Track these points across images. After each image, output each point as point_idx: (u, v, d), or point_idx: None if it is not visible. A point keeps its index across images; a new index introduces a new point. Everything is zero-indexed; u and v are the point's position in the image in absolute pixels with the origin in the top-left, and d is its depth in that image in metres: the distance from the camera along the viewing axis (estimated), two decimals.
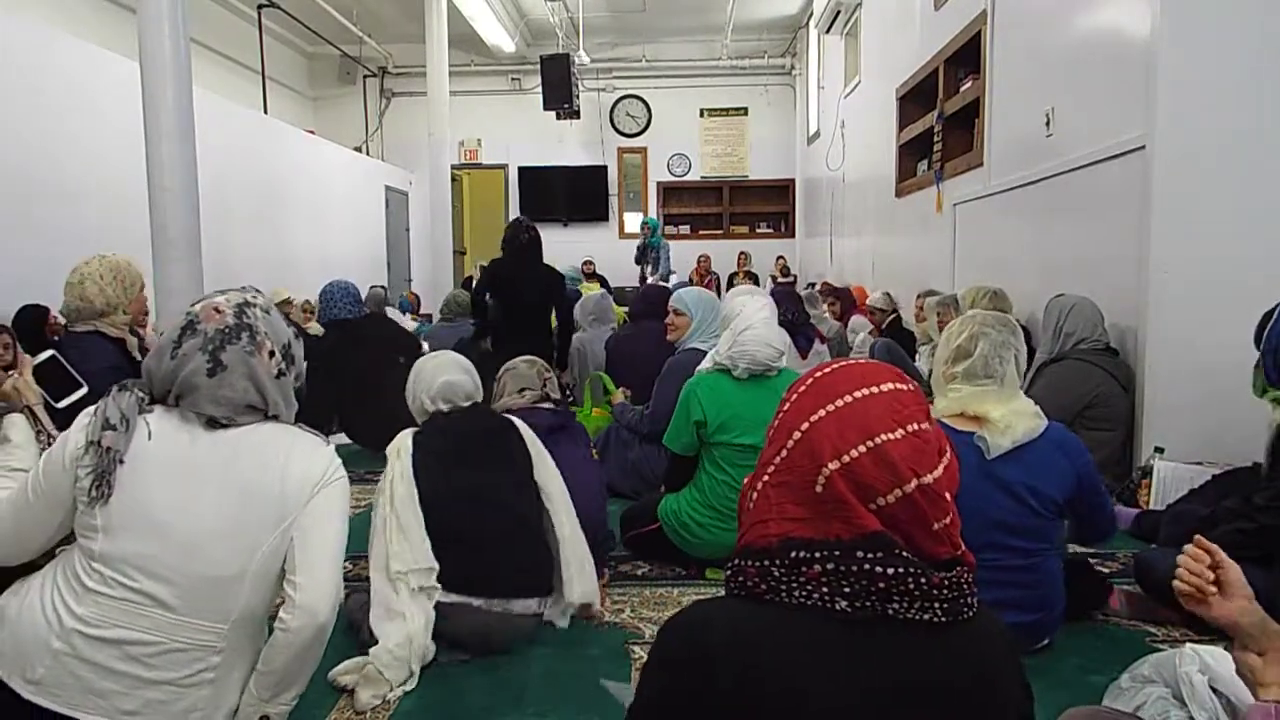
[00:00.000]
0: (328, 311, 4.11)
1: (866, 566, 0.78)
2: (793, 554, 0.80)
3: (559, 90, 8.99)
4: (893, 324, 5.20)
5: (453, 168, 8.89)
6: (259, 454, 1.39)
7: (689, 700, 0.81)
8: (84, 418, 1.33)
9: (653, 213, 10.81)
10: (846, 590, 0.78)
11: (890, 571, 0.77)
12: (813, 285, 7.59)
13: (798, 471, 0.83)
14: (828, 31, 7.86)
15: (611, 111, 10.73)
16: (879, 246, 6.74)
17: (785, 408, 0.88)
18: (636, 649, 2.01)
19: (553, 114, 9.34)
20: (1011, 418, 1.78)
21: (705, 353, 2.76)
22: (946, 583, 0.79)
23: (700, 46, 10.34)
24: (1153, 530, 2.52)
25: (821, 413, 0.83)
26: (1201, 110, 2.82)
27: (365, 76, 10.30)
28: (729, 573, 0.85)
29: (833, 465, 0.80)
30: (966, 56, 4.75)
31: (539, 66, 9.21)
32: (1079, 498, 1.82)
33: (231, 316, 1.40)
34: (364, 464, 3.56)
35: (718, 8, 8.95)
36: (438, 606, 1.91)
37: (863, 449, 0.80)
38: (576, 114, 9.45)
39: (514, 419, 2.23)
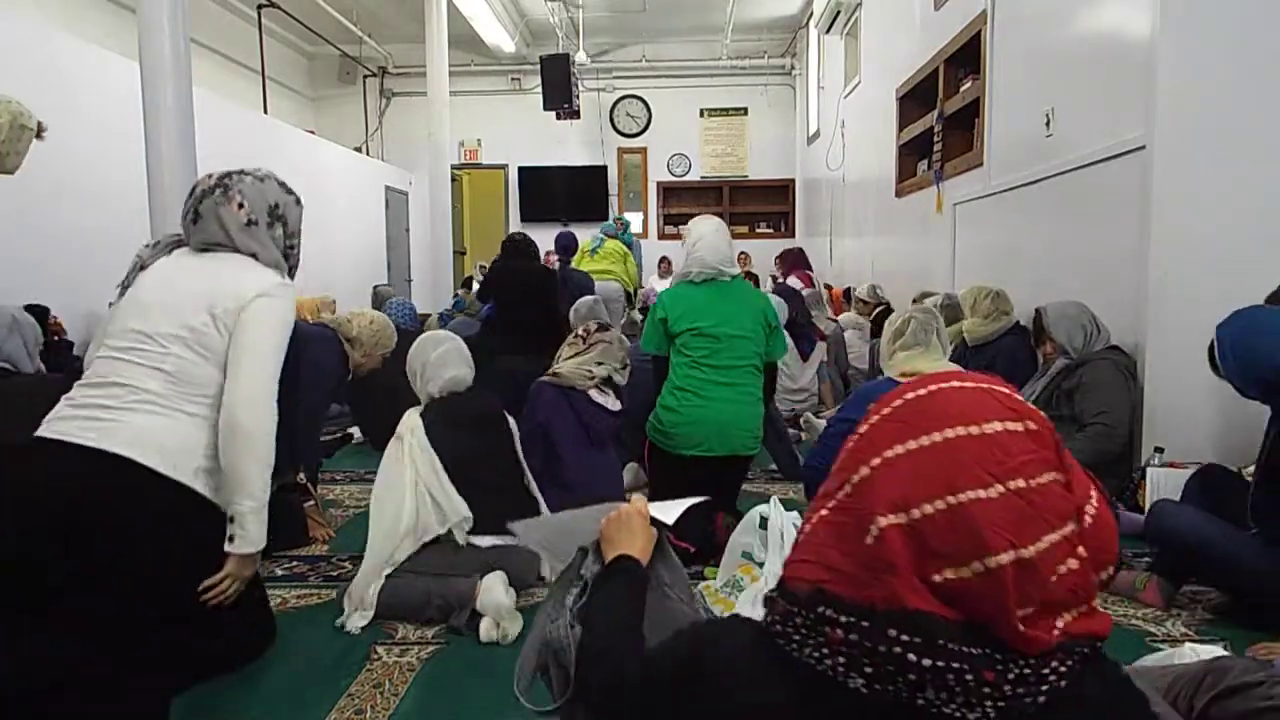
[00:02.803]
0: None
1: (897, 650, 0.64)
2: (819, 609, 0.68)
3: (559, 90, 8.99)
4: (881, 316, 5.21)
5: (453, 168, 8.89)
6: (215, 265, 1.85)
7: (674, 694, 0.79)
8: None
9: (653, 213, 10.83)
10: (867, 668, 0.65)
11: (926, 663, 0.63)
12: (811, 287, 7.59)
13: (854, 514, 0.69)
14: (828, 31, 7.85)
15: (611, 111, 10.73)
16: (879, 246, 6.74)
17: (862, 429, 0.73)
18: None
19: (553, 114, 9.34)
20: (937, 370, 2.12)
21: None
22: (1009, 680, 0.63)
23: (700, 46, 10.34)
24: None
25: (900, 449, 0.68)
26: (1201, 110, 2.81)
27: (365, 76, 10.30)
28: (768, 599, 0.74)
29: (894, 518, 0.66)
30: (966, 56, 4.75)
31: (539, 66, 9.21)
32: None
33: (214, 180, 1.90)
34: (369, 464, 3.57)
35: (718, 8, 8.95)
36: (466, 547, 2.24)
37: (939, 505, 0.64)
38: (576, 114, 9.45)
39: (502, 410, 2.54)
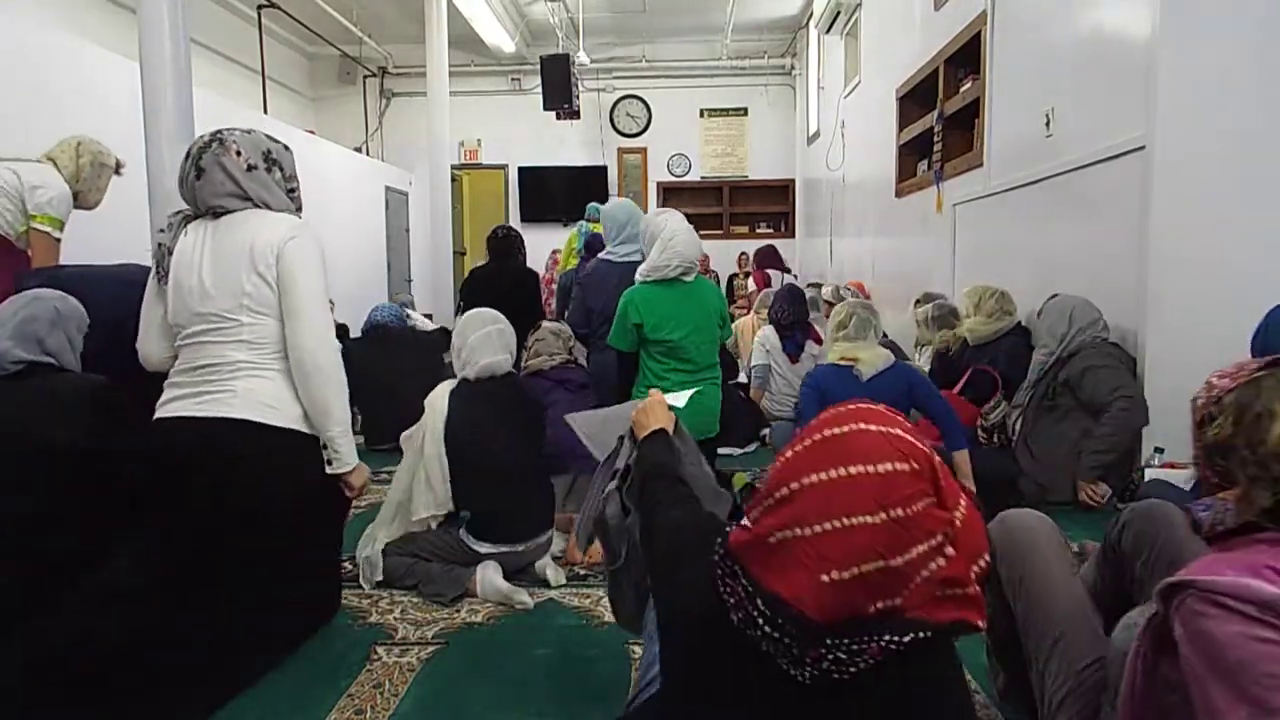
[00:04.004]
0: (371, 316, 4.57)
1: (754, 614, 0.89)
2: (733, 565, 0.94)
3: (559, 90, 8.98)
4: None
5: (453, 168, 8.88)
6: (236, 227, 1.96)
7: (692, 553, 1.08)
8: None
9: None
10: (739, 614, 0.92)
11: (766, 631, 0.88)
12: (817, 286, 7.59)
13: (773, 520, 0.90)
14: (828, 32, 7.85)
15: (611, 111, 10.73)
16: (879, 247, 6.74)
17: (791, 452, 0.93)
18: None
19: (553, 114, 9.33)
20: (873, 358, 2.95)
21: (615, 264, 3.42)
22: (822, 657, 0.86)
23: (700, 46, 10.33)
24: None
25: (815, 478, 0.88)
26: (1201, 110, 2.81)
27: (365, 77, 10.30)
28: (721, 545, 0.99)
29: (798, 530, 0.87)
30: (966, 56, 4.75)
31: (539, 67, 9.20)
32: (920, 400, 2.92)
33: (207, 137, 1.99)
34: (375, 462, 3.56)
35: (718, 8, 8.95)
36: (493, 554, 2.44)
37: (837, 524, 0.86)
38: (576, 114, 9.44)
39: (533, 398, 2.76)
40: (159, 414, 1.95)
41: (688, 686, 1.01)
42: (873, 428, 0.90)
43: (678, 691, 1.04)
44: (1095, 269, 3.29)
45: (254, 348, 1.94)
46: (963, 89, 4.83)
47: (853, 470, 0.87)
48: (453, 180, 8.84)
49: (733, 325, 6.13)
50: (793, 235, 10.63)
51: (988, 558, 0.88)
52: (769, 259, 7.08)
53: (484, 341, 2.54)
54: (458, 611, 2.29)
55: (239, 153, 1.98)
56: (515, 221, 10.63)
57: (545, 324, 3.33)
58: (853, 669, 0.86)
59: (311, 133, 8.64)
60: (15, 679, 1.59)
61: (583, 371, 3.30)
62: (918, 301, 4.78)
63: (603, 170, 10.63)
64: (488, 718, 1.76)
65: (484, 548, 2.45)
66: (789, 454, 0.93)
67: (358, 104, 10.28)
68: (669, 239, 2.91)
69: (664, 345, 2.91)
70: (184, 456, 1.88)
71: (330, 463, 1.99)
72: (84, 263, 3.04)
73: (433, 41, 7.83)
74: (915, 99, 5.68)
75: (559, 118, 9.41)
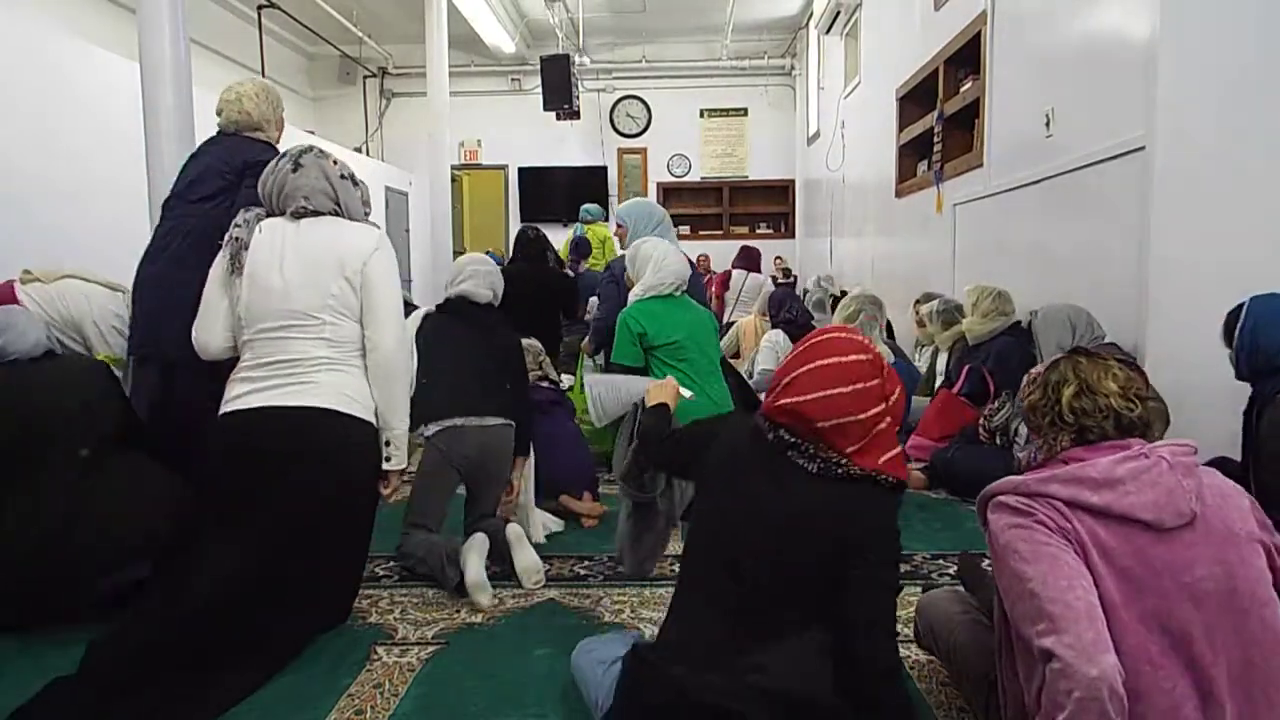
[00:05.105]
0: None
1: (785, 436, 1.52)
2: (769, 419, 1.55)
3: (559, 91, 8.98)
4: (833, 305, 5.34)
5: (453, 168, 8.88)
6: (319, 231, 2.10)
7: (703, 440, 1.70)
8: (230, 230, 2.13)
9: None
10: (773, 434, 1.54)
11: (792, 439, 1.51)
12: (818, 287, 7.59)
13: (781, 397, 1.52)
14: (828, 32, 7.85)
15: (611, 112, 10.73)
16: (879, 247, 6.74)
17: (797, 350, 1.56)
18: None
19: (553, 114, 9.32)
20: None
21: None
22: (820, 456, 1.47)
23: (700, 47, 10.34)
24: None
25: (804, 369, 1.50)
26: (1201, 110, 2.81)
27: (365, 77, 10.30)
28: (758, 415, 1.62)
29: (799, 398, 1.49)
30: (966, 56, 4.75)
31: (539, 67, 9.20)
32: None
33: (304, 145, 2.20)
34: None
35: (718, 8, 8.95)
36: (442, 431, 2.54)
37: (819, 395, 1.46)
38: (576, 114, 9.44)
39: (518, 343, 2.89)
40: (235, 406, 2.02)
41: (727, 480, 1.58)
42: (840, 335, 1.53)
43: (717, 484, 1.60)
44: (1095, 269, 3.29)
45: (334, 345, 2.06)
46: (963, 89, 4.83)
47: (830, 360, 1.48)
48: (453, 180, 8.84)
49: (733, 327, 6.19)
50: (793, 236, 10.63)
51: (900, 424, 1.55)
52: (748, 260, 7.23)
53: (471, 273, 2.81)
54: (458, 611, 2.29)
55: (335, 162, 2.21)
56: (515, 222, 10.63)
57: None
58: (841, 473, 1.45)
59: (311, 133, 8.63)
60: (163, 634, 1.83)
61: (554, 391, 3.38)
62: (918, 302, 4.78)
63: (603, 171, 10.64)
64: (488, 718, 1.76)
65: (433, 428, 2.54)
66: (788, 358, 1.55)
67: (358, 104, 10.28)
68: (661, 259, 3.12)
69: (669, 347, 2.99)
70: (280, 443, 1.99)
71: (389, 458, 2.13)
72: (84, 263, 3.04)
73: (433, 41, 7.82)
74: (915, 99, 5.68)
75: (559, 118, 9.41)
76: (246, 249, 2.07)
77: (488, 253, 6.64)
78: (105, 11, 6.59)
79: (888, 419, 1.47)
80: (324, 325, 2.05)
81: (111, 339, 2.75)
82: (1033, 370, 1.51)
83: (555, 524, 3.02)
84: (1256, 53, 2.77)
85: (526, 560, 2.46)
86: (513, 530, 2.52)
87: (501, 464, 2.67)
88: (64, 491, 2.10)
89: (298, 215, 2.11)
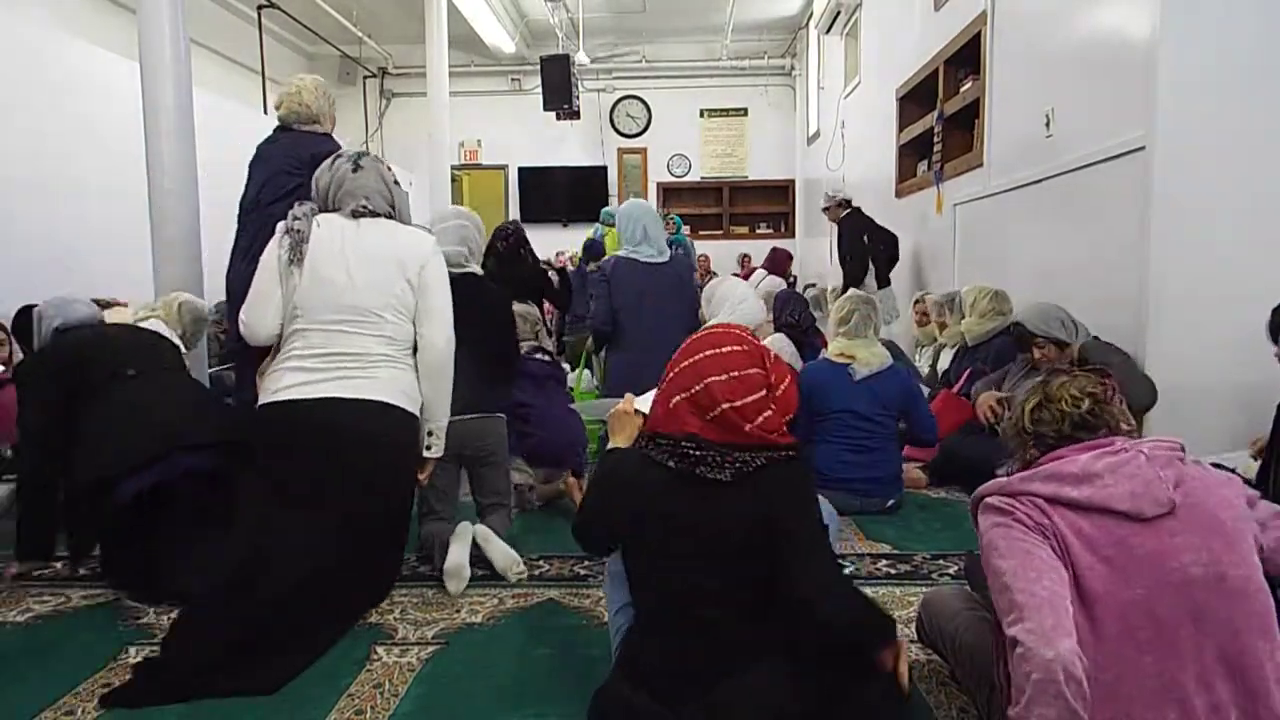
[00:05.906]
0: None
1: (685, 448, 1.52)
2: (658, 440, 1.57)
3: (559, 91, 8.98)
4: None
5: (453, 168, 8.88)
6: (380, 232, 2.18)
7: (605, 491, 1.65)
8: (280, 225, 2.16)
9: None
10: (674, 459, 1.52)
11: (698, 453, 1.51)
12: (813, 285, 7.59)
13: (666, 394, 1.60)
14: (828, 32, 7.85)
15: (611, 112, 10.73)
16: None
17: (680, 352, 1.61)
18: None
19: (553, 114, 9.32)
20: (870, 357, 3.11)
21: (639, 263, 3.54)
22: (735, 460, 1.49)
23: (700, 47, 10.33)
24: None
25: (687, 361, 1.58)
26: (1201, 110, 2.81)
27: (365, 77, 10.30)
28: (641, 436, 1.65)
29: (681, 396, 1.56)
30: (966, 56, 4.75)
31: (539, 67, 9.19)
32: (907, 406, 3.12)
33: (359, 149, 2.28)
34: None
35: (718, 8, 8.95)
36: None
37: (699, 387, 1.54)
38: (576, 114, 9.43)
39: (497, 294, 2.85)
40: (294, 395, 2.06)
41: (652, 521, 1.55)
42: (718, 329, 1.63)
43: (639, 529, 1.57)
44: (1095, 269, 3.29)
45: (393, 343, 2.15)
46: (963, 89, 4.83)
47: (707, 353, 1.57)
48: (453, 180, 8.84)
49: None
50: (793, 235, 10.63)
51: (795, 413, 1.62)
52: (774, 264, 7.00)
53: (444, 230, 2.76)
54: (458, 611, 2.29)
55: (389, 169, 2.29)
56: None
57: (515, 306, 3.18)
58: (751, 468, 1.49)
59: None
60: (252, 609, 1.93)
61: (548, 365, 3.30)
62: (917, 302, 4.78)
63: (603, 171, 10.63)
64: (488, 718, 1.76)
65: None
66: (680, 352, 1.61)
67: (358, 104, 10.28)
68: (739, 302, 3.21)
69: None
70: (349, 434, 2.07)
71: (429, 447, 2.25)
72: (84, 263, 3.04)
73: (433, 41, 7.82)
74: (915, 99, 5.68)
75: (559, 118, 9.41)
76: (306, 242, 2.11)
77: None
78: (105, 11, 6.59)
79: (771, 407, 1.54)
80: (385, 323, 2.13)
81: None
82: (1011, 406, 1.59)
83: (520, 475, 3.04)
84: (1256, 53, 2.78)
85: (500, 556, 2.50)
86: (480, 531, 2.54)
87: (484, 447, 2.68)
88: (104, 400, 2.36)
89: (356, 215, 2.17)
